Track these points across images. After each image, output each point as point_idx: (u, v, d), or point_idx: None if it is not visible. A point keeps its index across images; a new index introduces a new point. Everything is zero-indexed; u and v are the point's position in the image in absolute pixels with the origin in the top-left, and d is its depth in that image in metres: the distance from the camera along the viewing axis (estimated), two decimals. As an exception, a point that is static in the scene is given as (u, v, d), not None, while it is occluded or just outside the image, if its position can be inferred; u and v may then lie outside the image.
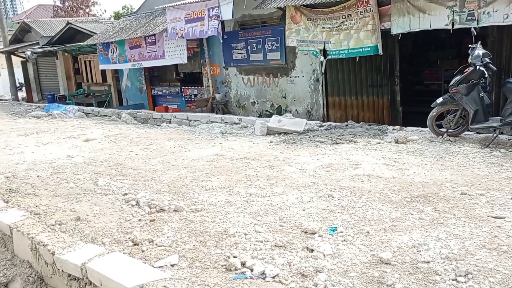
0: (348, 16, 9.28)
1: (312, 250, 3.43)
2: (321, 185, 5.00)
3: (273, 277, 3.08)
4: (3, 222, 4.38)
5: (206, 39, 12.82)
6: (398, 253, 3.31)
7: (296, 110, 11.30)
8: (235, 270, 3.19)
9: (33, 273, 3.92)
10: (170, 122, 11.71)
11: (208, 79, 13.40)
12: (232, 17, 11.05)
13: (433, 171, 5.29)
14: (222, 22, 11.27)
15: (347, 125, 8.81)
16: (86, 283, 3.35)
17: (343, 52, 9.54)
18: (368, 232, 3.69)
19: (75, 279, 3.46)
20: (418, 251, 3.32)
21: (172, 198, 4.84)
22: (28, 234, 4.02)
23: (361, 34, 9.14)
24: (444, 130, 6.87)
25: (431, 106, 6.95)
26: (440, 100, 6.86)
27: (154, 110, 14.25)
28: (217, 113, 12.07)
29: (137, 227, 4.11)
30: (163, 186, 5.37)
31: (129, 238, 3.84)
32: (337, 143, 7.16)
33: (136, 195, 4.94)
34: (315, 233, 3.74)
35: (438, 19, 8.05)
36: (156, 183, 5.49)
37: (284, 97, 11.61)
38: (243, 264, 3.27)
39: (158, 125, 11.50)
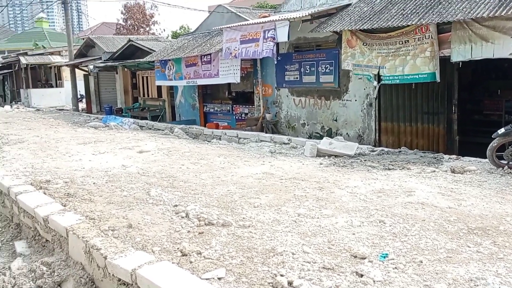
0: (405, 42, 9.16)
1: (362, 275, 3.34)
2: (372, 210, 4.88)
3: (321, 299, 3.02)
4: (60, 224, 4.57)
5: (260, 60, 13.03)
6: (453, 286, 3.16)
7: (347, 133, 11.18)
8: (282, 288, 3.16)
9: (85, 275, 4.04)
10: (220, 139, 11.89)
11: (259, 99, 13.56)
12: (288, 39, 11.18)
13: (492, 203, 5.04)
14: (277, 44, 11.43)
15: (400, 151, 8.61)
16: (135, 289, 3.42)
17: (397, 77, 9.40)
18: (421, 262, 3.56)
19: (125, 284, 3.53)
20: (475, 285, 3.16)
21: (221, 213, 4.88)
22: (82, 237, 4.17)
23: (418, 61, 8.98)
24: (505, 162, 6.57)
25: (492, 136, 6.68)
26: (502, 131, 6.58)
27: (205, 126, 14.55)
28: (266, 133, 12.15)
29: (186, 238, 4.16)
30: (212, 200, 5.43)
31: (178, 248, 3.90)
32: (389, 169, 7.00)
33: (186, 207, 5.02)
34: (365, 258, 3.64)
35: (502, 48, 7.78)
36: (206, 197, 5.56)
37: (335, 120, 11.53)
38: (290, 283, 3.23)
39: (209, 141, 11.70)
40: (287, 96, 12.81)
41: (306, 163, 7.86)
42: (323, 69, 11.54)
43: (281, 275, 3.34)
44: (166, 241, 4.08)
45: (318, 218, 4.70)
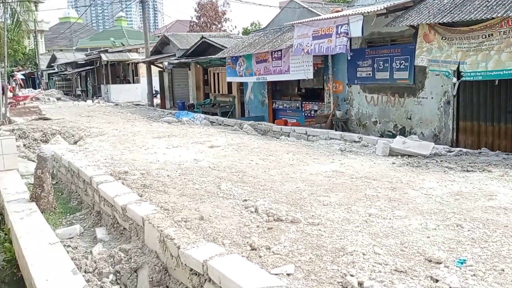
0: (489, 36, 8.60)
1: (437, 281, 3.19)
2: (448, 213, 4.65)
3: (393, 303, 2.92)
4: (137, 214, 4.80)
5: (331, 56, 12.84)
6: (541, 299, 2.93)
7: (421, 132, 10.73)
8: (352, 289, 3.10)
9: (159, 263, 4.22)
10: (288, 136, 11.88)
11: (329, 96, 13.38)
12: (362, 34, 10.91)
13: None
14: (350, 40, 11.18)
15: (480, 152, 8.11)
16: (206, 280, 3.51)
17: (480, 74, 8.86)
18: (503, 270, 3.33)
19: (196, 274, 3.65)
20: None
21: (290, 209, 4.88)
22: (157, 227, 4.35)
23: (503, 56, 8.39)
24: None
25: None
26: None
27: (273, 123, 14.61)
28: (336, 130, 11.96)
29: (255, 233, 4.21)
30: (281, 196, 5.44)
31: (247, 242, 3.95)
32: (468, 171, 6.63)
33: (255, 202, 5.08)
34: (440, 263, 3.48)
35: None
36: (275, 193, 5.59)
37: (409, 118, 11.10)
38: (360, 284, 3.16)
39: (277, 138, 11.75)
40: (358, 93, 12.52)
41: (377, 162, 7.65)
42: (397, 65, 11.14)
43: (351, 275, 3.28)
44: (236, 235, 4.16)
45: (390, 219, 4.56)
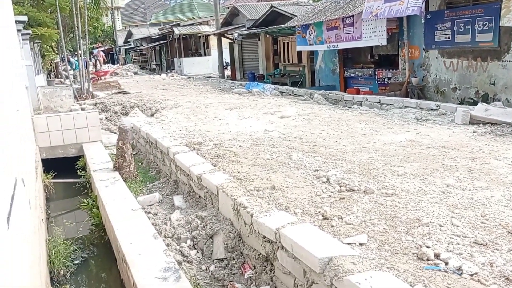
0: None
1: (521, 255, 3.03)
2: (536, 185, 4.35)
3: (471, 275, 2.83)
4: (211, 183, 4.98)
5: (406, 20, 12.19)
6: None
7: (506, 99, 9.99)
8: (427, 260, 3.04)
9: (233, 230, 4.38)
10: (361, 105, 11.58)
11: (404, 62, 12.77)
12: (439, -5, 10.23)
13: None
14: (427, 1, 10.52)
15: None
16: (278, 247, 3.60)
17: None
18: None
19: (269, 242, 3.74)
20: None
21: (362, 180, 4.81)
22: (231, 195, 4.49)
23: None
24: None
25: None
26: None
27: (345, 92, 14.27)
28: (411, 98, 11.45)
29: (326, 203, 4.22)
30: (353, 167, 5.37)
31: (319, 212, 3.97)
32: (559, 139, 6.12)
33: (327, 172, 5.05)
34: (525, 237, 3.29)
35: None
36: (347, 163, 5.52)
37: (493, 84, 10.35)
38: (436, 255, 3.09)
39: (349, 107, 11.50)
40: (436, 58, 11.84)
41: (456, 131, 7.27)
42: (480, 27, 10.34)
43: (427, 247, 3.20)
44: (308, 204, 4.18)
45: (470, 190, 4.36)
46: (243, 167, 5.50)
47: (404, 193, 4.35)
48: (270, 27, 19.30)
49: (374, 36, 12.59)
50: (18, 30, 11.71)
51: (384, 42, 12.49)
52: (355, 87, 14.95)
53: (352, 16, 13.29)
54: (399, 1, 10.98)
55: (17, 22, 10.88)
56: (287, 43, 20.29)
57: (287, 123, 8.60)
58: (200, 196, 5.51)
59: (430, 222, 3.63)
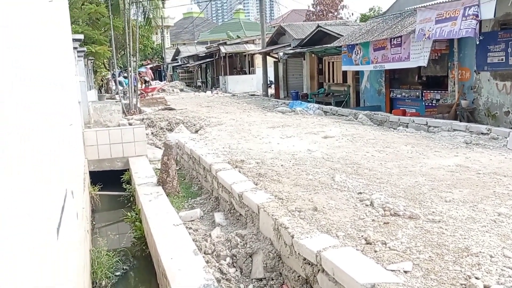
0: None
1: None
2: None
3: (526, 313, 2.66)
4: (253, 201, 4.97)
5: (457, 41, 11.89)
6: None
7: None
8: (477, 293, 2.88)
9: (273, 250, 4.34)
10: (407, 127, 11.31)
11: (454, 84, 12.41)
12: (494, 16, 9.91)
13: None
14: (480, 22, 10.23)
15: None
16: (319, 270, 3.53)
17: None
18: None
19: (309, 264, 3.68)
20: None
21: (408, 204, 4.66)
22: (272, 215, 4.46)
23: None
24: None
25: None
26: None
27: (390, 113, 14.00)
28: (461, 121, 11.08)
29: (370, 227, 4.11)
30: (399, 190, 5.22)
31: (362, 236, 3.87)
32: None
33: (371, 195, 4.94)
34: None
35: None
36: (391, 187, 5.38)
37: (549, 109, 9.87)
38: (486, 288, 2.93)
39: (394, 129, 11.25)
40: (488, 80, 11.43)
41: (509, 156, 6.94)
42: (536, 49, 9.94)
43: (476, 278, 3.05)
44: (350, 228, 4.09)
45: (524, 220, 4.13)
46: (285, 187, 5.47)
47: (452, 220, 4.18)
48: (316, 47, 19.33)
49: (420, 57, 12.34)
50: (74, 48, 12.32)
51: (425, 64, 12.24)
52: (401, 108, 14.66)
53: (401, 36, 13.10)
54: (451, 22, 10.73)
55: (74, 40, 11.45)
56: (332, 62, 20.23)
57: (330, 144, 8.51)
58: (240, 214, 5.52)
59: (480, 252, 3.45)
